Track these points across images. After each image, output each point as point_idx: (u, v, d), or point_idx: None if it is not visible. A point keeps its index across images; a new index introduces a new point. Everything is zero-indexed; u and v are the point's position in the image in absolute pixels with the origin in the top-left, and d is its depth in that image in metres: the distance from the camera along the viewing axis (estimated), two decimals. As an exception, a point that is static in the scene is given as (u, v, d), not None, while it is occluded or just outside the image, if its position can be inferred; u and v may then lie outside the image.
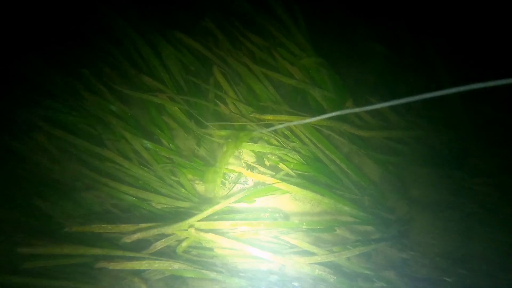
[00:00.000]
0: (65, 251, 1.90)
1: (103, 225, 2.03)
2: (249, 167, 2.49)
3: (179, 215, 2.28)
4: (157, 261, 1.94)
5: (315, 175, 2.39)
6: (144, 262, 1.91)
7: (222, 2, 2.74)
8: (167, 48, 2.66)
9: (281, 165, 2.40)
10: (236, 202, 2.19)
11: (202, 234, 1.91)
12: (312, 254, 1.95)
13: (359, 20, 2.68)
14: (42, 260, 1.97)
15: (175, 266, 1.98)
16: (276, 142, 2.49)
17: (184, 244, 2.03)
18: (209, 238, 1.88)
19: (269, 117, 2.45)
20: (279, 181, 2.11)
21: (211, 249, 2.10)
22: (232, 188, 2.49)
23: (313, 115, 2.59)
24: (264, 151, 2.46)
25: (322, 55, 2.58)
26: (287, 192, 2.27)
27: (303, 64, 2.55)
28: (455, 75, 2.45)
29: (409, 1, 2.60)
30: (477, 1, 2.46)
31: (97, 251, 1.92)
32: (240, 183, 2.51)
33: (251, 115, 2.49)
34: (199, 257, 2.12)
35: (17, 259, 2.01)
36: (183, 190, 2.41)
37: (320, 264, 1.93)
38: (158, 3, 2.88)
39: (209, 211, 2.02)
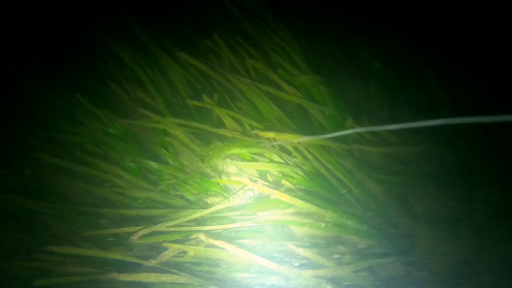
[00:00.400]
0: (88, 252, 2.02)
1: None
2: (251, 181, 2.54)
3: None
4: (164, 274, 1.96)
5: (317, 191, 2.43)
6: (152, 274, 1.94)
7: (227, 20, 2.82)
8: (173, 66, 2.75)
9: (283, 181, 2.44)
10: (239, 215, 2.23)
11: (211, 240, 1.94)
12: (317, 267, 1.98)
13: (358, 37, 2.76)
14: (51, 277, 1.99)
15: (182, 280, 2.00)
16: (278, 158, 2.54)
17: (191, 254, 2.05)
18: (218, 244, 1.92)
19: (271, 134, 2.50)
20: (281, 192, 2.15)
21: (218, 265, 2.13)
22: (232, 195, 2.54)
23: (315, 133, 2.70)
24: (266, 169, 2.51)
25: (321, 73, 2.66)
26: (290, 206, 2.30)
27: (301, 82, 2.63)
28: (451, 91, 2.54)
29: (406, 18, 2.69)
30: (474, 21, 2.56)
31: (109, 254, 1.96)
32: (242, 195, 2.55)
33: (254, 132, 2.54)
34: (206, 272, 2.14)
35: (27, 276, 2.03)
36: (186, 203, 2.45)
37: (325, 277, 1.95)
38: (165, 20, 2.97)
39: (207, 211, 2.13)
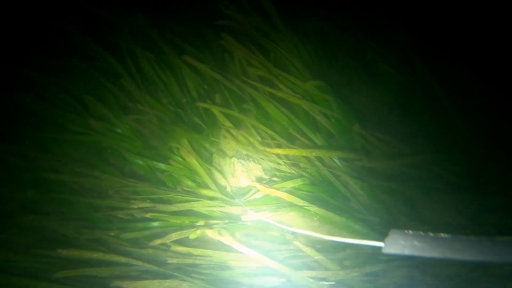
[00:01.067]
0: (94, 256, 2.07)
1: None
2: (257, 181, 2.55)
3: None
4: (168, 280, 1.98)
5: (320, 196, 2.41)
6: (155, 281, 1.95)
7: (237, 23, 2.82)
8: (183, 67, 2.79)
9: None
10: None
11: (219, 237, 1.97)
12: (321, 269, 1.97)
13: (369, 42, 2.73)
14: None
15: (185, 285, 1.99)
16: (283, 164, 2.53)
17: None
18: (225, 241, 1.96)
19: (278, 150, 2.52)
20: (286, 193, 2.19)
21: (221, 268, 2.12)
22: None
23: (322, 138, 2.68)
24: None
25: (330, 77, 2.65)
26: (296, 208, 2.29)
27: (305, 90, 2.64)
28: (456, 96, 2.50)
29: (417, 24, 2.66)
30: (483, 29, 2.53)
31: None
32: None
33: (261, 149, 2.55)
34: (208, 275, 2.13)
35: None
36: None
37: (329, 280, 1.94)
38: (176, 21, 3.00)
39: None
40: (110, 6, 2.89)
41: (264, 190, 2.27)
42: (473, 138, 2.53)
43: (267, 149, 2.52)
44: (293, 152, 2.47)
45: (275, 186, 2.37)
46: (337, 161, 2.53)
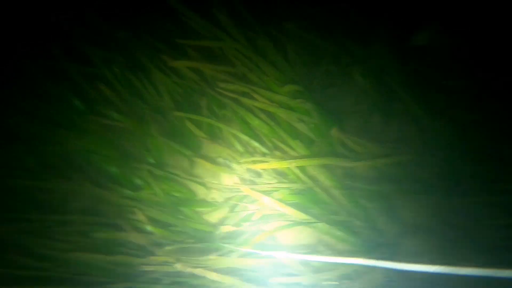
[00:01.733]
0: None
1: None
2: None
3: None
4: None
5: (301, 202, 2.41)
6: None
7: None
8: (157, 73, 2.80)
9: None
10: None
11: (189, 269, 1.93)
12: (296, 274, 1.94)
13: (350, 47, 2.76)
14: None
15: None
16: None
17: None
18: (197, 273, 1.91)
19: (257, 166, 2.55)
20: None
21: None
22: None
23: (303, 144, 2.68)
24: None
25: (306, 85, 2.67)
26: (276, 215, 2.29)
27: (278, 100, 2.66)
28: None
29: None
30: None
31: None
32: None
33: (242, 163, 2.61)
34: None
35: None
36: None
37: (305, 285, 1.91)
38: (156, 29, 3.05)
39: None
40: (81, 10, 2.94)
41: (248, 192, 2.29)
42: (451, 140, 2.53)
43: (248, 165, 2.56)
44: (273, 165, 2.50)
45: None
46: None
